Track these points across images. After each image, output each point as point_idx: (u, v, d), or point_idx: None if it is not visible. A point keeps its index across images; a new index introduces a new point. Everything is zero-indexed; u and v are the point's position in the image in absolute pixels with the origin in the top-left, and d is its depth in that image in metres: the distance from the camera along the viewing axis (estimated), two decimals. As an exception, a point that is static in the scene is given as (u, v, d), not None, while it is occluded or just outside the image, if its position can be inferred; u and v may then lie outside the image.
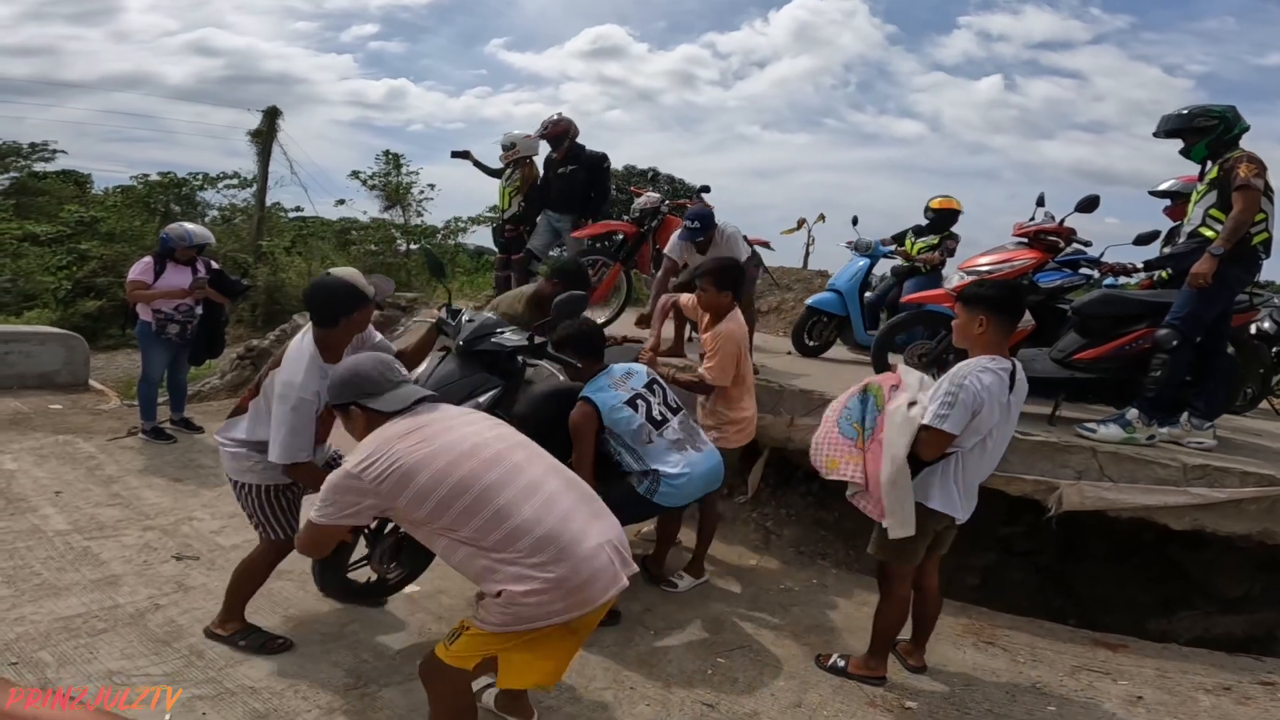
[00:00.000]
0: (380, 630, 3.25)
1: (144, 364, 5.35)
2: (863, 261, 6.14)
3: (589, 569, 1.95)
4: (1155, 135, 3.93)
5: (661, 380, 3.53)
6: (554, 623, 1.95)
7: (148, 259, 5.19)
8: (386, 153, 17.84)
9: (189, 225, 5.41)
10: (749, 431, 3.93)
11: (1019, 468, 3.77)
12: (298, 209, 21.18)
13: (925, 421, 2.67)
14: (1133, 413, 3.84)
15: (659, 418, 3.36)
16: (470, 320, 3.19)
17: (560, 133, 5.91)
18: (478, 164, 6.71)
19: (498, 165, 6.55)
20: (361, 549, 3.08)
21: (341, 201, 18.81)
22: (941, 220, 6.15)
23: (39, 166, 20.85)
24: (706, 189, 6.07)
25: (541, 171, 6.24)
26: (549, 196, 6.07)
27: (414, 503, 1.94)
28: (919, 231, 6.22)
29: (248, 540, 3.64)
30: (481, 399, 2.99)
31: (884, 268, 6.45)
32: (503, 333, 3.12)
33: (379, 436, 2.05)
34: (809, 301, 6.42)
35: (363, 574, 3.23)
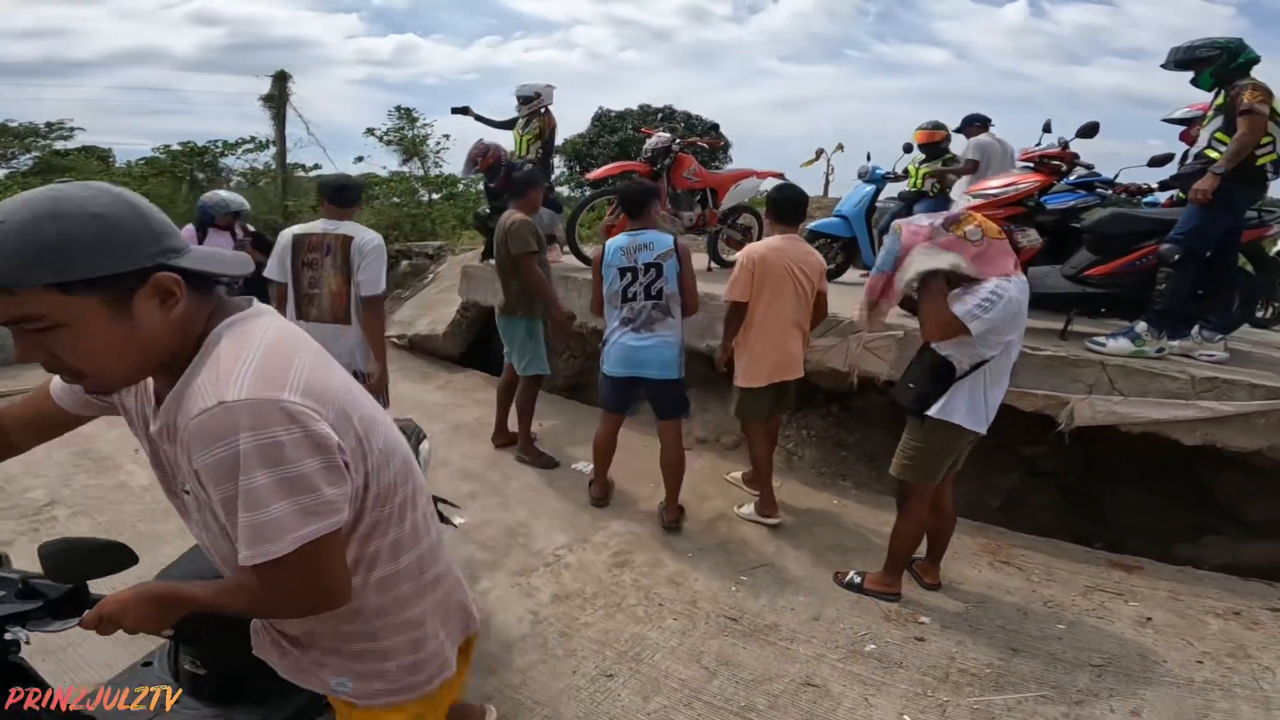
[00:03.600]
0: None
1: None
2: (868, 188, 6.29)
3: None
4: (1163, 67, 4.03)
5: (676, 268, 3.63)
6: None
7: (189, 227, 5.48)
8: (399, 108, 18.51)
9: (223, 193, 5.77)
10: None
11: (1030, 382, 3.84)
12: (317, 167, 21.71)
13: (958, 314, 2.73)
14: (1141, 325, 3.92)
15: (630, 295, 3.68)
16: None
17: (494, 163, 5.96)
18: (479, 117, 6.79)
19: (501, 117, 6.65)
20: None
21: (360, 158, 19.25)
22: (933, 150, 6.38)
23: (59, 145, 21.32)
24: (716, 126, 6.22)
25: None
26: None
27: None
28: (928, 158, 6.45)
29: None
30: None
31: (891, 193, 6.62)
32: None
33: None
34: (809, 226, 6.56)
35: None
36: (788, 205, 3.73)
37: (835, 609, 3.23)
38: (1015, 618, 3.18)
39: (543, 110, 6.23)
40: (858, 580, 3.36)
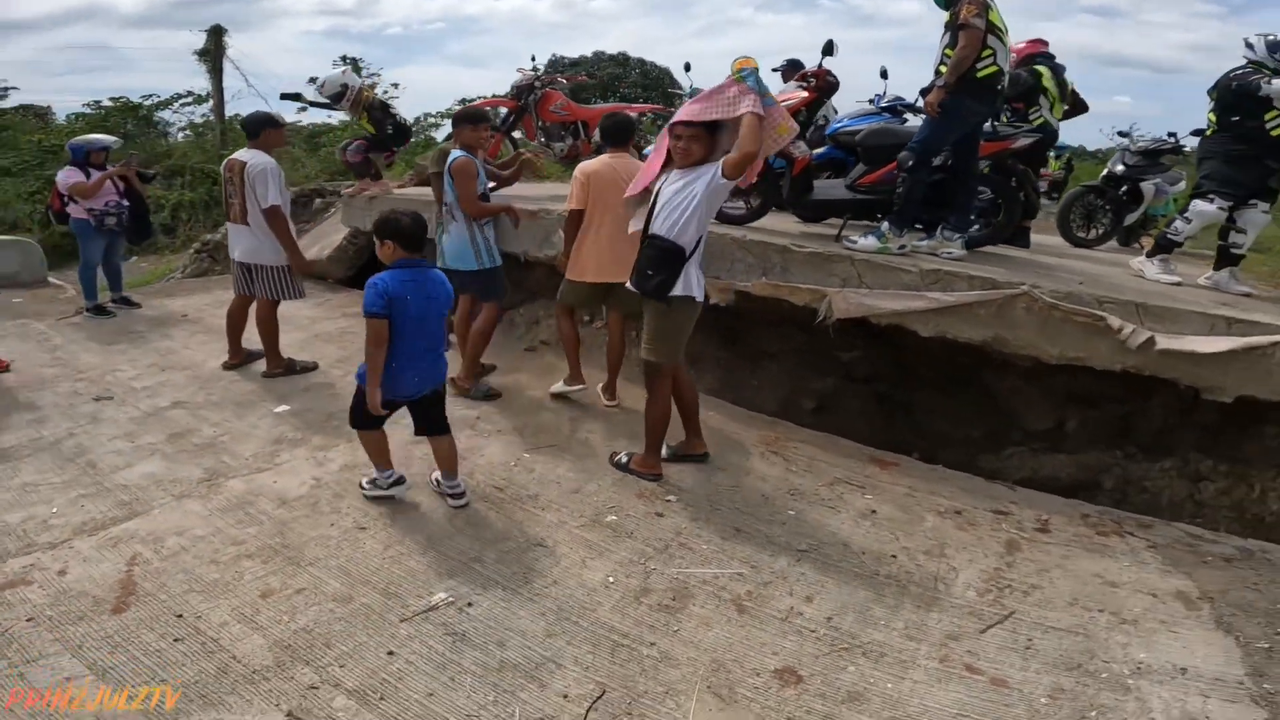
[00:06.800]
0: (244, 440, 3.95)
1: (84, 253, 6.12)
2: None
3: None
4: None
5: (450, 180, 4.30)
6: None
7: (71, 166, 5.97)
8: (344, 57, 19.44)
9: (93, 135, 6.56)
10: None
11: (797, 277, 4.19)
12: (263, 119, 21.76)
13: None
14: (885, 225, 4.29)
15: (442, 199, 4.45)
16: None
17: None
18: (313, 102, 7.04)
19: (327, 101, 6.65)
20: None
21: (303, 109, 19.61)
22: None
23: None
24: (687, 66, 6.32)
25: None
26: None
27: None
28: None
29: (158, 382, 4.68)
30: None
31: None
32: None
33: None
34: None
35: None
36: (611, 130, 4.23)
37: (597, 485, 3.54)
38: (755, 503, 3.47)
39: (360, 94, 6.43)
40: (625, 460, 3.67)
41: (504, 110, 6.48)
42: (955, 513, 3.46)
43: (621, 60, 26.30)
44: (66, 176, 5.92)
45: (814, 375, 4.56)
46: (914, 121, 4.79)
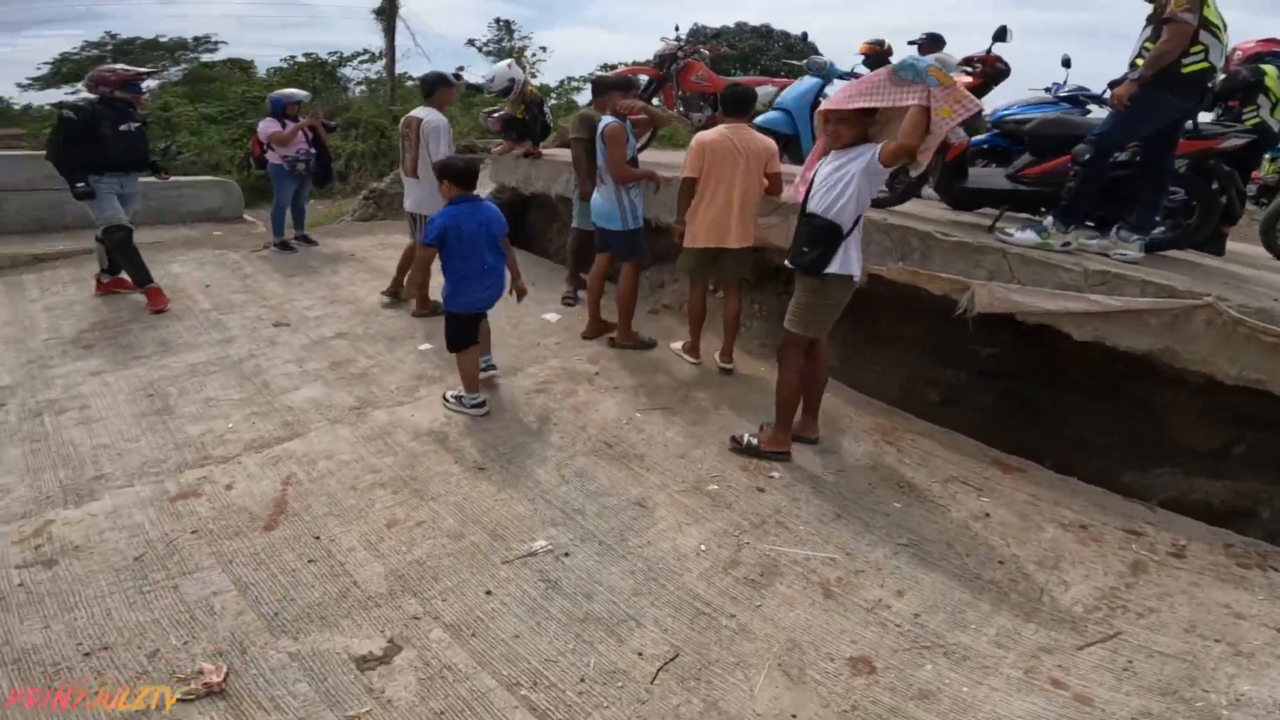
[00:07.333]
0: (391, 373, 4.34)
1: (277, 194, 6.92)
2: (814, 80, 6.06)
3: None
4: None
5: (601, 145, 4.47)
6: None
7: (270, 118, 6.79)
8: (498, 20, 20.77)
9: (288, 89, 7.39)
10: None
11: (938, 265, 3.97)
12: (426, 77, 23.00)
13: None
14: (1049, 219, 4.01)
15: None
16: None
17: (121, 81, 5.22)
18: (470, 85, 7.61)
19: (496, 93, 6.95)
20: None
21: (461, 69, 20.48)
22: (876, 61, 6.47)
23: (205, 57, 23.04)
24: (804, 35, 6.68)
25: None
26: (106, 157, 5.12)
27: None
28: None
29: (328, 313, 5.25)
30: None
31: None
32: None
33: None
34: (756, 120, 6.63)
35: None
36: (731, 100, 4.29)
37: (704, 451, 3.62)
38: (861, 489, 3.41)
39: (521, 90, 6.76)
40: (755, 443, 3.62)
41: (644, 78, 6.62)
42: (1080, 527, 3.24)
43: (764, 32, 25.57)
44: (266, 127, 6.68)
45: (941, 366, 4.34)
46: (1097, 114, 4.40)
